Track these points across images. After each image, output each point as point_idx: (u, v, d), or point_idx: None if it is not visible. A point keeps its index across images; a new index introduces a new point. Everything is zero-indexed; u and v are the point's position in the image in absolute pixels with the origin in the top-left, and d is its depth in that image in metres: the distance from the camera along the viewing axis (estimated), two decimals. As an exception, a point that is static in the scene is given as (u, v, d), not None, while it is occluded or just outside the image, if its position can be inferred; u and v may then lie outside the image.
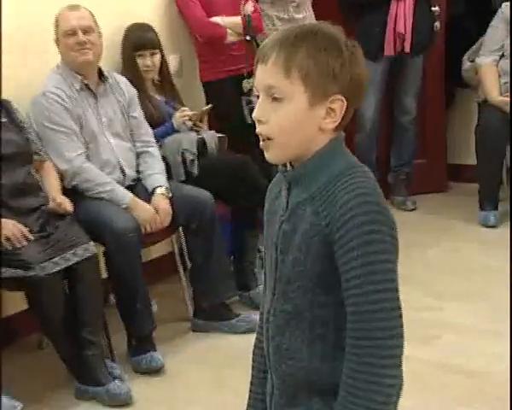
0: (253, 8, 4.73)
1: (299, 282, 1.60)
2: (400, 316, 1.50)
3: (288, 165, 1.65)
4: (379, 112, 5.56)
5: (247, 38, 4.64)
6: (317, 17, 5.01)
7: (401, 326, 1.50)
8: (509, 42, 5.21)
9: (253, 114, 1.61)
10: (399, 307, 1.50)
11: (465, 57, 5.50)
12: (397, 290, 1.51)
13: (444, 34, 5.74)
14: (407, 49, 5.35)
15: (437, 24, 5.64)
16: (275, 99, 1.57)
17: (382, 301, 1.48)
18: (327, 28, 1.59)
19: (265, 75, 1.58)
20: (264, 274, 1.75)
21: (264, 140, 1.60)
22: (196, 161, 4.17)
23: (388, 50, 5.33)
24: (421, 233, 5.15)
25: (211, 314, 4.04)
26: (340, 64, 1.55)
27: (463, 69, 5.47)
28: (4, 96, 3.69)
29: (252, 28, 4.66)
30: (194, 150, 4.18)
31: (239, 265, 4.34)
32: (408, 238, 4.71)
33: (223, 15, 4.66)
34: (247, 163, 4.26)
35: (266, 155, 1.62)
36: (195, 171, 4.16)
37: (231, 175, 4.21)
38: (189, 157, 4.16)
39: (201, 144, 4.23)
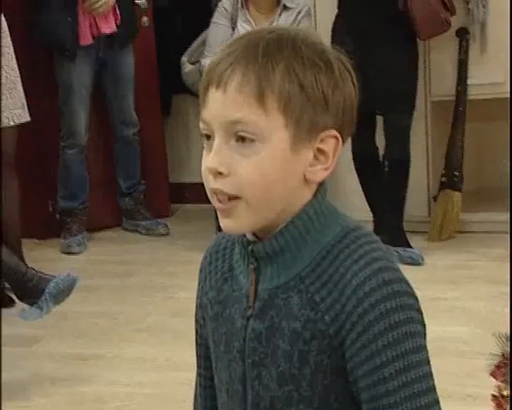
0: None
1: (290, 407, 1.18)
2: None
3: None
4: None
5: None
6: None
7: None
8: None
9: (207, 164, 1.15)
10: None
11: (184, 58, 4.80)
12: (439, 402, 1.15)
13: (153, 32, 5.02)
14: (105, 30, 4.63)
15: (145, 19, 4.97)
16: (242, 140, 1.14)
17: None
18: (305, 32, 1.19)
19: (226, 107, 1.14)
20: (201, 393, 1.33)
21: (222, 201, 1.16)
22: None
23: (84, 38, 4.58)
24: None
25: None
26: (332, 85, 1.16)
27: (184, 73, 4.77)
28: None
29: None
30: None
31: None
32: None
33: None
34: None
35: (228, 222, 1.17)
36: None
37: None
38: None
39: None
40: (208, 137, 1.17)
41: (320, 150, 1.17)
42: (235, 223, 1.16)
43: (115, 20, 4.63)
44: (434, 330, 3.42)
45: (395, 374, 1.11)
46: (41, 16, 4.64)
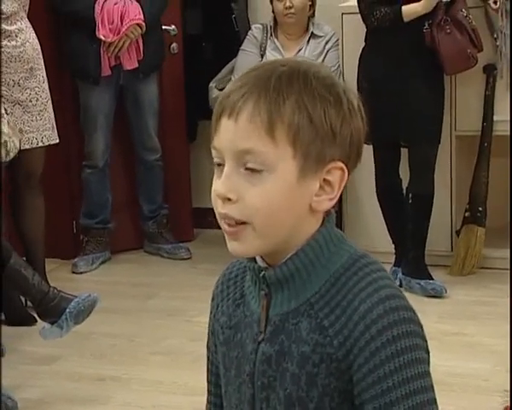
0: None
1: None
2: None
3: (259, 258, 1.25)
4: (111, 145, 4.85)
5: None
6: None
7: None
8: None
9: (216, 189, 1.19)
10: None
11: (212, 85, 4.83)
12: None
13: (182, 58, 5.05)
14: (126, 66, 4.67)
15: (174, 46, 5.00)
16: (251, 169, 1.18)
17: None
18: (316, 67, 1.22)
19: (237, 136, 1.18)
20: None
21: (230, 225, 1.20)
22: None
23: (104, 70, 4.65)
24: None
25: None
26: (340, 118, 1.19)
27: (212, 98, 4.78)
28: None
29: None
30: None
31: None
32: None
33: None
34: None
35: (234, 245, 1.21)
36: None
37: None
38: None
39: None
40: (219, 164, 1.21)
41: (326, 181, 1.21)
42: (242, 246, 1.20)
43: (137, 57, 4.66)
44: (455, 366, 3.45)
45: (401, 398, 1.14)
46: (67, 43, 4.71)
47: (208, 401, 1.38)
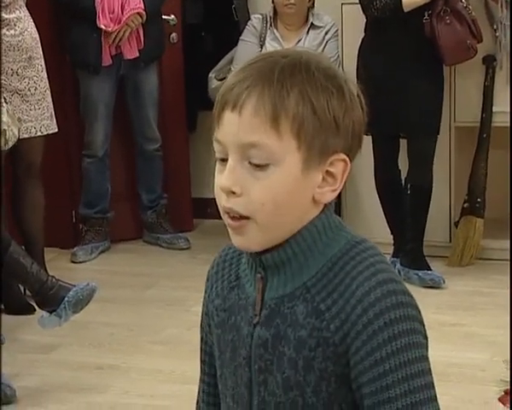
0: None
1: None
2: None
3: None
4: (110, 135, 4.84)
5: None
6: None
7: None
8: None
9: (220, 183, 1.18)
10: None
11: (211, 75, 4.83)
12: None
13: (181, 48, 5.04)
14: (127, 55, 4.66)
15: (174, 35, 4.99)
16: (255, 164, 1.17)
17: None
18: (317, 57, 1.22)
19: (241, 129, 1.16)
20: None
21: (234, 218, 1.19)
22: None
23: (104, 60, 4.64)
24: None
25: None
26: (343, 110, 1.18)
27: (211, 88, 4.78)
28: None
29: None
30: None
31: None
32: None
33: None
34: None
35: (239, 239, 1.21)
36: None
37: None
38: None
39: None
40: (222, 159, 1.19)
41: (329, 173, 1.20)
42: (246, 241, 1.20)
43: (138, 46, 4.66)
44: (452, 356, 3.46)
45: (398, 382, 1.14)
46: (68, 33, 4.71)
47: (202, 381, 1.38)
